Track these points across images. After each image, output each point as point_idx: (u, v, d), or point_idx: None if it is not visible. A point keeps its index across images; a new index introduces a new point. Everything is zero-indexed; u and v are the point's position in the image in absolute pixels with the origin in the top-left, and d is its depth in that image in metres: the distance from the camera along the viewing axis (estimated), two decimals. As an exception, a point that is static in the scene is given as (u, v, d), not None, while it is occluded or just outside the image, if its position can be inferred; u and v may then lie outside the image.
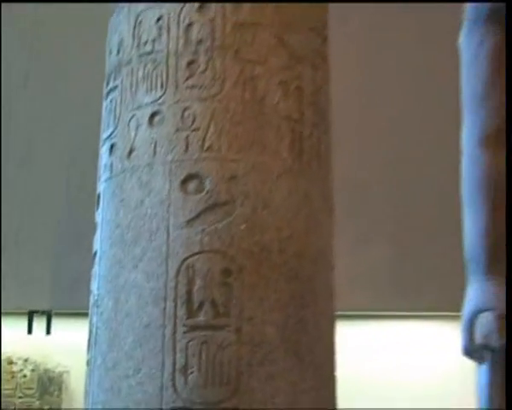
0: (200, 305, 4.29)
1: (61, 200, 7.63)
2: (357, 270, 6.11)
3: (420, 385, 8.47)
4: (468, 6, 4.07)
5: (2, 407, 8.03)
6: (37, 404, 8.17)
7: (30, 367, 8.18)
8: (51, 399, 8.23)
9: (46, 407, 8.19)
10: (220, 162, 4.47)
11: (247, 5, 4.66)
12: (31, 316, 8.10)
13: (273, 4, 4.72)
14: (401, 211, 7.77)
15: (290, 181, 4.57)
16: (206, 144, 4.48)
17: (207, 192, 4.42)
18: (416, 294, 7.18)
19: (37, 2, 5.91)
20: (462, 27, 4.08)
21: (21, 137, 9.88)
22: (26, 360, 8.17)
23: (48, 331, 8.14)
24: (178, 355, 4.24)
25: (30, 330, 8.18)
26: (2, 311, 8.09)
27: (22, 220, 9.05)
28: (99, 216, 4.75)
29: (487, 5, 4.04)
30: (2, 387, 8.03)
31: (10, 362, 8.13)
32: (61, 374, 8.22)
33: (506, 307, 5.55)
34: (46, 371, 8.19)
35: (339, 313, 4.83)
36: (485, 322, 3.70)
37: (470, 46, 4.07)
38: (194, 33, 4.62)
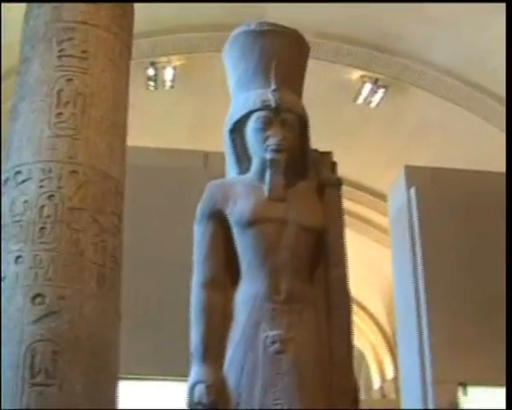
0: (39, 371, 4.44)
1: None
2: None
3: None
4: (198, 209, 4.70)
5: None
6: None
7: None
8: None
9: None
10: (55, 287, 4.60)
11: (76, 197, 4.81)
12: None
13: (91, 195, 4.87)
14: (165, 317, 7.83)
15: (95, 301, 4.71)
16: (48, 276, 4.62)
17: (46, 305, 4.57)
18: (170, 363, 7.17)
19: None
20: (195, 221, 4.70)
21: None
22: None
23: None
24: (24, 400, 4.38)
25: None
26: None
27: None
28: None
29: (208, 209, 4.67)
30: None
31: None
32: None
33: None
34: None
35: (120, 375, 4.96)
36: (199, 389, 4.35)
37: (199, 231, 4.70)
38: (45, 211, 4.74)
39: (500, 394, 8.81)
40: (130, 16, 5.68)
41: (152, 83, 14.96)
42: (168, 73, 14.91)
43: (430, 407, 8.69)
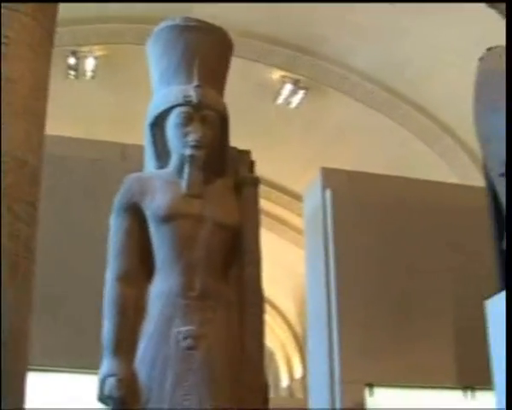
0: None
1: None
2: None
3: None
4: (115, 201, 4.69)
5: None
6: None
7: None
8: None
9: None
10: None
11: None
12: None
13: (6, 183, 4.70)
14: (77, 310, 7.66)
15: (8, 290, 4.55)
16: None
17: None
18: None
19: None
20: (111, 214, 4.69)
21: None
22: None
23: None
24: None
25: None
26: None
27: None
28: None
29: (125, 202, 4.67)
30: None
31: None
32: None
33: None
34: None
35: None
36: (110, 382, 4.34)
37: (115, 224, 4.70)
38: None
39: (405, 395, 9.03)
40: (54, 4, 5.60)
41: (72, 72, 14.84)
42: (89, 63, 14.83)
43: (337, 406, 8.81)
